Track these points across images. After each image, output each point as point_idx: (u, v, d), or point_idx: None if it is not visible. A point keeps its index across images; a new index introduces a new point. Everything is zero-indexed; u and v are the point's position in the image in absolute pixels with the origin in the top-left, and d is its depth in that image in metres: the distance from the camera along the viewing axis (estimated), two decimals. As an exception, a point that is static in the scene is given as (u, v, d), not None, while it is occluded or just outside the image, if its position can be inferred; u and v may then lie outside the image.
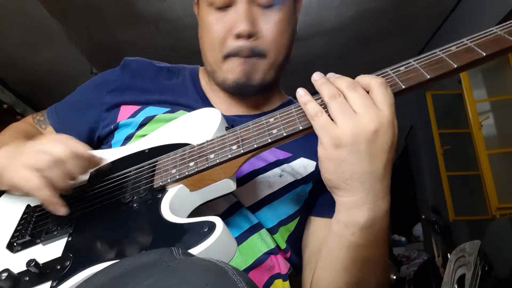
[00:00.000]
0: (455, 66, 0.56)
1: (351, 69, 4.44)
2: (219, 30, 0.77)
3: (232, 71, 0.78)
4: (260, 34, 0.77)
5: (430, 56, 0.59)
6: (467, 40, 0.58)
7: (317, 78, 0.60)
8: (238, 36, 0.75)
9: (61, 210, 0.63)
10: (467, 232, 3.61)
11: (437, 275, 3.07)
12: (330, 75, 0.60)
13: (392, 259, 3.82)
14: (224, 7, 0.77)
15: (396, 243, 5.82)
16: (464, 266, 1.99)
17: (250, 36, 0.76)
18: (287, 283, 0.76)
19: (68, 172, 0.63)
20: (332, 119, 0.56)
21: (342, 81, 0.57)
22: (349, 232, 0.59)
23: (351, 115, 0.54)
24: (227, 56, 0.77)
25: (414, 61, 0.60)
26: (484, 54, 0.56)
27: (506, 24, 0.58)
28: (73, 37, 3.26)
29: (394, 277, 3.52)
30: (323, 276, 0.67)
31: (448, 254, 2.71)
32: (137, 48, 3.51)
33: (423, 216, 4.03)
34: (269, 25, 0.77)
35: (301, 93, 0.60)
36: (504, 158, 3.01)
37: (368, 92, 0.57)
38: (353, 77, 0.60)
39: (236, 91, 0.81)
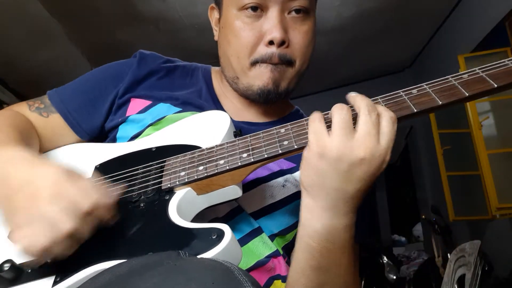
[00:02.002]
0: (467, 94, 0.57)
1: (351, 69, 4.42)
2: (249, 35, 0.77)
3: (260, 77, 0.77)
4: (290, 42, 0.77)
5: (442, 82, 0.60)
6: (479, 69, 0.59)
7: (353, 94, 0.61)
8: (271, 43, 0.75)
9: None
10: (467, 232, 3.61)
11: (437, 275, 3.07)
12: (355, 94, 0.61)
13: (392, 259, 3.82)
14: (255, 13, 0.76)
15: (396, 243, 5.82)
16: (464, 266, 1.99)
17: (282, 43, 0.76)
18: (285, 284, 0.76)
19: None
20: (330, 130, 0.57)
21: (363, 100, 0.58)
22: (306, 233, 0.61)
23: (349, 134, 0.55)
24: (255, 62, 0.77)
25: (427, 85, 0.60)
26: (496, 85, 0.57)
27: None
28: (73, 37, 3.26)
29: (394, 277, 3.52)
30: (289, 277, 0.68)
31: (448, 254, 2.71)
32: (137, 48, 3.48)
33: (423, 216, 4.04)
34: (299, 34, 0.78)
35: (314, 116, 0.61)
36: (504, 158, 3.02)
37: None
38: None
39: (260, 98, 0.79)
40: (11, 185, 0.57)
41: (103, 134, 0.88)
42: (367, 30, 3.68)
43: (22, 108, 0.86)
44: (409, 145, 5.26)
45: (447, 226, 3.38)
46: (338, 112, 0.57)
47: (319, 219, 0.59)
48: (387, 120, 0.57)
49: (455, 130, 3.61)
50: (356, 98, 0.59)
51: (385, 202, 6.50)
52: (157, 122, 0.81)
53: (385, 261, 3.60)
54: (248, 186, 0.75)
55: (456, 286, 2.04)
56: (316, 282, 0.63)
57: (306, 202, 0.61)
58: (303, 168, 0.60)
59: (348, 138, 0.55)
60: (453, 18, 3.61)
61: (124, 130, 0.82)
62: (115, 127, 0.84)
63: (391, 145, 0.56)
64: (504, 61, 0.59)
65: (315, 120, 0.58)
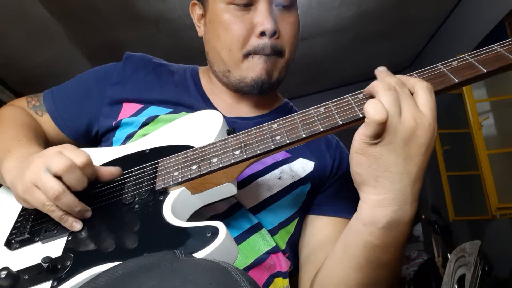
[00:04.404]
0: (456, 81, 0.57)
1: (351, 69, 4.41)
2: (240, 28, 0.78)
3: (254, 68, 0.79)
4: (279, 33, 0.79)
5: (431, 70, 0.60)
6: (468, 55, 0.59)
7: (381, 69, 0.59)
8: (262, 34, 0.77)
9: (77, 226, 0.63)
10: (467, 232, 3.61)
11: (437, 275, 3.07)
12: (382, 69, 0.59)
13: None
14: (244, 6, 0.77)
15: (396, 243, 5.80)
16: (464, 266, 1.99)
17: (273, 34, 0.77)
18: (287, 280, 0.77)
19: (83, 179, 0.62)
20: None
21: (392, 78, 0.56)
22: (367, 231, 0.56)
23: (398, 111, 0.53)
24: (248, 54, 0.78)
25: (417, 73, 0.60)
26: (485, 70, 0.57)
27: (507, 42, 0.59)
28: (73, 37, 3.26)
29: (394, 277, 3.51)
30: (333, 273, 0.65)
31: (448, 254, 2.71)
32: (137, 48, 3.49)
33: (423, 216, 4.03)
34: (287, 25, 0.80)
35: (381, 69, 0.58)
36: (504, 158, 3.01)
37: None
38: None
39: (254, 89, 0.80)
40: (27, 162, 0.64)
41: (94, 137, 0.88)
42: (367, 30, 3.68)
43: (23, 105, 0.91)
44: (409, 145, 5.25)
45: (447, 226, 3.38)
46: (389, 91, 0.54)
47: (385, 214, 0.54)
48: (423, 90, 0.55)
49: (455, 130, 3.61)
50: (385, 77, 0.57)
51: (385, 202, 6.49)
52: (150, 122, 0.81)
53: (385, 261, 3.58)
54: (245, 182, 0.76)
55: (456, 286, 2.04)
56: (373, 277, 0.61)
57: (368, 199, 0.55)
58: (357, 162, 0.54)
59: (397, 115, 0.52)
60: (453, 18, 3.61)
61: (120, 133, 0.84)
62: (110, 131, 0.85)
63: (435, 114, 0.54)
64: (493, 46, 0.59)
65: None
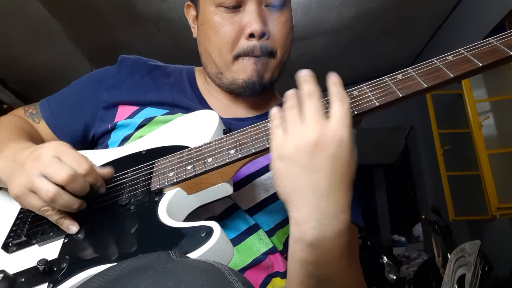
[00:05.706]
0: (452, 76, 0.56)
1: (351, 69, 4.40)
2: (229, 30, 0.77)
3: (244, 70, 0.78)
4: (269, 34, 0.78)
5: (427, 65, 0.59)
6: (463, 49, 0.59)
7: (290, 93, 0.59)
8: (251, 36, 0.77)
9: (73, 228, 0.63)
10: (467, 232, 3.61)
11: (437, 275, 3.07)
12: (304, 75, 0.59)
13: (392, 259, 3.82)
14: (233, 8, 0.77)
15: (396, 243, 5.83)
16: (464, 266, 1.99)
17: (262, 35, 0.77)
18: (285, 280, 0.76)
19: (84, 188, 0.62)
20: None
21: (305, 87, 0.57)
22: (298, 247, 0.55)
23: (297, 126, 0.53)
24: (238, 56, 0.78)
25: (412, 69, 0.60)
26: (480, 64, 0.56)
27: (503, 35, 0.58)
28: (73, 37, 3.26)
29: (394, 277, 3.52)
30: (288, 284, 0.63)
31: (448, 254, 2.71)
32: (137, 48, 3.51)
33: (423, 216, 4.04)
34: (278, 25, 0.79)
35: (274, 112, 0.59)
36: (504, 158, 3.01)
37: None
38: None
39: (246, 91, 0.80)
40: (19, 160, 0.64)
41: (91, 141, 0.89)
42: (367, 30, 3.68)
43: (20, 113, 0.92)
44: (409, 145, 5.26)
45: (447, 226, 3.38)
46: (288, 110, 0.55)
47: (307, 231, 0.52)
48: (334, 100, 0.55)
49: (455, 130, 3.61)
50: (302, 86, 0.57)
51: (385, 202, 6.50)
52: (147, 124, 0.81)
53: (385, 261, 3.60)
54: (241, 183, 0.76)
55: (456, 286, 2.04)
56: None
57: (291, 216, 0.54)
58: (274, 181, 0.55)
59: (297, 130, 0.52)
60: (453, 18, 3.61)
61: (116, 135, 0.84)
62: (106, 133, 0.85)
63: (345, 122, 0.52)
64: (489, 40, 0.58)
65: (272, 126, 0.56)
